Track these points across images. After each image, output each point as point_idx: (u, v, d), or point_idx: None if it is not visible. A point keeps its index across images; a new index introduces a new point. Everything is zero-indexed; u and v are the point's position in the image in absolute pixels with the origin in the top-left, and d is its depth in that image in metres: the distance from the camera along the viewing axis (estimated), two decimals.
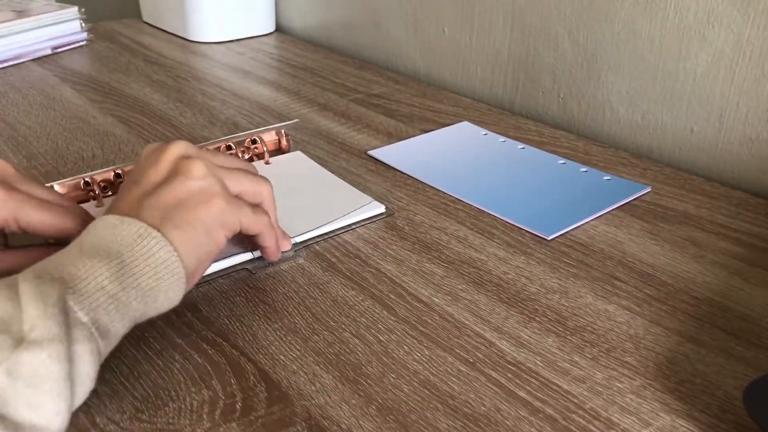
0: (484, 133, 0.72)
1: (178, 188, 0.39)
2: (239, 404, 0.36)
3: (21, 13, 0.99)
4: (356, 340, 0.41)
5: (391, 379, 0.38)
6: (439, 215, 0.56)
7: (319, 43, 1.09)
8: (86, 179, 0.55)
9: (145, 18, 1.20)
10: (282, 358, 0.40)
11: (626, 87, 0.71)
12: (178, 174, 0.40)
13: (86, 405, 0.36)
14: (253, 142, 0.64)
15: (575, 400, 0.37)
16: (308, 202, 0.56)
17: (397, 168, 0.64)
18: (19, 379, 0.29)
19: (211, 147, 0.60)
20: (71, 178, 0.55)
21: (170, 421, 0.35)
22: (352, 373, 0.39)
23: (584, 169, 0.63)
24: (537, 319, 0.43)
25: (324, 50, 1.04)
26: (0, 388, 0.29)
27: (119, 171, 0.56)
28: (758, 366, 0.40)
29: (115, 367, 0.39)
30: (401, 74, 0.93)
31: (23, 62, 0.96)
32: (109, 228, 0.36)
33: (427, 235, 0.53)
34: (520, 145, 0.68)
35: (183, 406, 0.36)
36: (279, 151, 0.66)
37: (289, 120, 0.75)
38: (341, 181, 0.60)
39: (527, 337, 0.42)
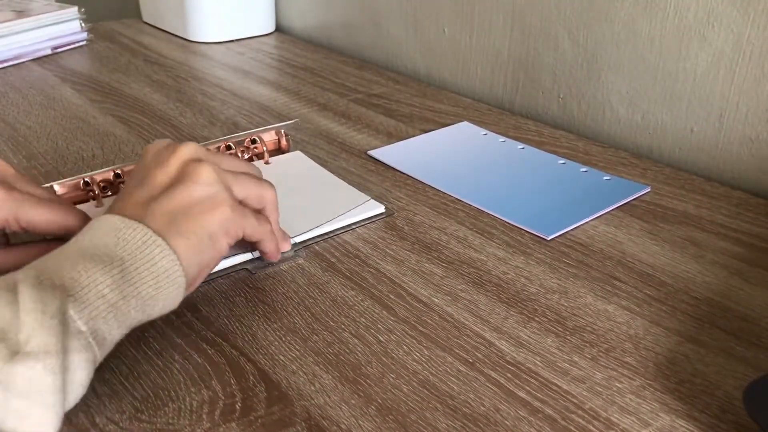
0: (484, 133, 0.72)
1: (185, 193, 0.39)
2: (239, 404, 0.36)
3: (21, 13, 0.99)
4: (356, 341, 0.41)
5: (391, 379, 0.38)
6: (439, 215, 0.56)
7: (319, 43, 1.09)
8: (86, 179, 0.55)
9: (145, 18, 1.20)
10: (282, 358, 0.40)
11: (626, 87, 0.71)
12: (185, 178, 0.39)
13: (86, 405, 0.36)
14: (253, 141, 0.64)
15: (575, 400, 0.37)
16: (308, 202, 0.56)
17: (397, 168, 0.64)
18: (12, 390, 0.29)
19: (211, 147, 0.60)
20: (71, 178, 0.55)
21: (170, 421, 0.35)
22: (351, 374, 0.39)
23: (584, 169, 0.63)
24: (536, 319, 0.43)
25: (324, 50, 1.04)
26: None
27: (119, 171, 0.56)
28: (758, 366, 0.40)
29: (115, 367, 0.39)
30: (401, 74, 0.93)
31: (23, 62, 0.96)
32: (113, 231, 0.36)
33: (427, 235, 0.53)
34: (520, 145, 0.68)
35: (183, 406, 0.36)
36: (279, 151, 0.66)
37: (289, 120, 0.75)
38: (341, 181, 0.60)
39: (527, 337, 0.42)
